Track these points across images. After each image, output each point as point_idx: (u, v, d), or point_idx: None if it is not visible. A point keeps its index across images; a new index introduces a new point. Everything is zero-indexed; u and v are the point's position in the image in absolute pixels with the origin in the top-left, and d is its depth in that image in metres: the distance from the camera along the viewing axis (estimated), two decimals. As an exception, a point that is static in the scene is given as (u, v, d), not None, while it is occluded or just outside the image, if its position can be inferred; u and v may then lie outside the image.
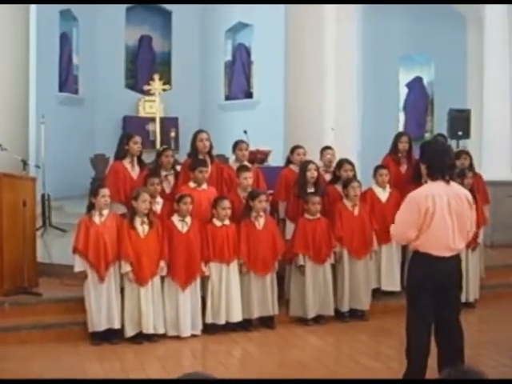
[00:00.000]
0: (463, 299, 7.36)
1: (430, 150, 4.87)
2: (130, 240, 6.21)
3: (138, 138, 7.00)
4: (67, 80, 12.86)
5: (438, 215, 4.53)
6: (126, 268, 6.19)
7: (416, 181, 6.90)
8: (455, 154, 7.79)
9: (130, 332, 6.21)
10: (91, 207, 6.25)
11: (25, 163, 8.03)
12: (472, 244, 7.45)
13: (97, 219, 6.21)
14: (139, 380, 4.86)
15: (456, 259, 4.73)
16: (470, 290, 7.51)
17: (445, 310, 4.72)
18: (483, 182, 7.96)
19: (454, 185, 4.74)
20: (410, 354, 4.77)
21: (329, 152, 7.61)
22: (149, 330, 6.23)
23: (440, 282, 4.62)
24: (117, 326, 6.18)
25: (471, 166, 7.73)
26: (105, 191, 6.25)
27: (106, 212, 6.25)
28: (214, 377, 1.88)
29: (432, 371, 4.65)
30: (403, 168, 7.69)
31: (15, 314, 6.34)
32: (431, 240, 4.57)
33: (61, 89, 12.58)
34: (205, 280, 6.54)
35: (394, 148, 7.75)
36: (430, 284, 4.61)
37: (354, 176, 7.21)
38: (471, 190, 7.37)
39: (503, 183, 9.97)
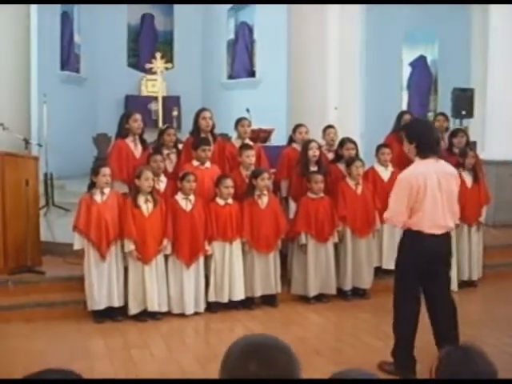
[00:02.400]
0: (465, 278, 7.42)
1: (419, 129, 4.83)
2: (134, 218, 6.22)
3: (137, 116, 6.97)
4: (69, 59, 12.82)
5: (429, 194, 4.58)
6: (130, 246, 6.20)
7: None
8: (452, 133, 7.83)
9: (133, 310, 6.24)
10: (92, 186, 6.26)
11: (27, 142, 8.04)
12: (474, 222, 7.48)
13: (98, 198, 6.21)
14: (140, 380, 4.88)
15: (446, 237, 4.80)
16: (474, 268, 7.53)
17: (434, 286, 4.79)
18: (480, 161, 7.95)
19: (442, 162, 4.77)
20: (397, 327, 4.83)
21: (331, 131, 7.59)
22: (153, 307, 6.26)
23: (430, 259, 4.68)
24: (117, 304, 6.20)
25: (468, 144, 7.72)
26: (106, 170, 6.24)
27: (107, 191, 6.25)
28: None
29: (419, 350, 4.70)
30: (406, 147, 7.65)
31: (19, 292, 6.38)
32: (423, 218, 4.62)
33: (62, 67, 12.54)
34: (208, 259, 6.56)
35: (397, 126, 7.73)
36: (420, 260, 4.67)
37: (357, 155, 7.20)
38: (473, 169, 7.42)
39: (506, 163, 9.94)
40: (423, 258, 4.68)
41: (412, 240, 4.73)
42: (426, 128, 4.87)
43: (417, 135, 4.72)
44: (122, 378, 4.88)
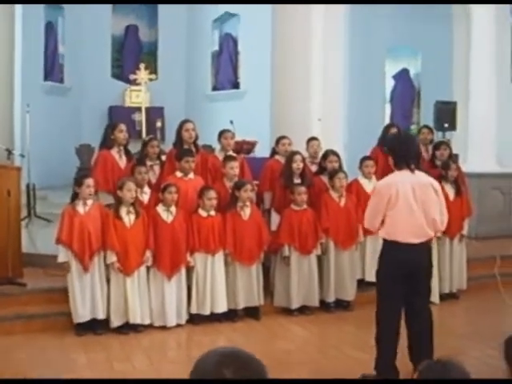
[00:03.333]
0: (447, 290, 7.45)
1: (394, 142, 5.16)
2: (116, 230, 6.19)
3: (122, 127, 6.97)
4: (53, 69, 12.75)
5: (402, 202, 4.66)
6: (112, 258, 6.16)
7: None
8: (435, 145, 7.88)
9: (115, 322, 6.19)
10: (75, 197, 6.21)
11: (9, 152, 7.99)
12: (457, 234, 7.52)
13: (81, 209, 6.17)
14: (140, 380, 4.85)
15: (424, 246, 4.83)
16: (454, 280, 7.56)
17: (414, 296, 4.82)
18: (463, 174, 8.00)
19: (419, 173, 4.86)
20: (380, 340, 4.85)
21: (314, 143, 7.61)
22: (135, 320, 6.21)
23: (409, 269, 4.72)
24: (101, 316, 6.15)
25: (451, 157, 7.77)
26: (89, 181, 6.20)
27: (90, 202, 6.22)
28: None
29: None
30: (391, 159, 7.69)
31: (-1, 304, 6.31)
32: (397, 227, 4.68)
33: (46, 78, 12.47)
34: (190, 270, 6.53)
35: (383, 139, 7.77)
36: (399, 271, 4.71)
37: (340, 167, 7.22)
38: (456, 182, 7.47)
39: (488, 175, 10.03)
40: (401, 268, 4.71)
41: (389, 250, 4.78)
42: (403, 142, 5.04)
43: (392, 148, 4.97)
44: (122, 378, 4.85)
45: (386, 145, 5.06)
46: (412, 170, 4.74)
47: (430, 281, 5.08)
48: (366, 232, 7.17)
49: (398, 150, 4.85)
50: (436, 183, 4.92)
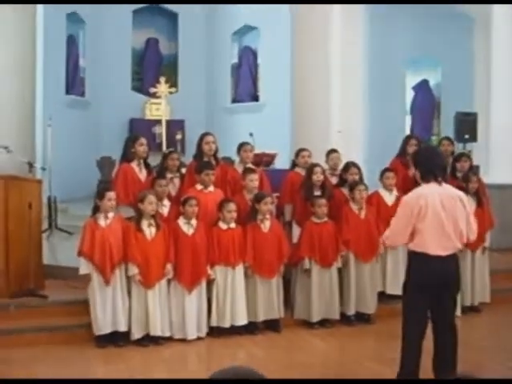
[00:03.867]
0: (468, 303, 7.37)
1: (420, 155, 5.06)
2: (137, 242, 6.21)
3: (143, 140, 7.01)
4: (74, 82, 12.89)
5: (431, 214, 4.63)
6: (133, 271, 6.18)
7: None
8: (456, 157, 7.83)
9: (136, 334, 6.21)
10: (96, 210, 6.25)
11: (31, 165, 8.05)
12: (479, 247, 7.46)
13: (102, 222, 6.21)
14: (140, 380, 4.85)
15: (453, 258, 4.80)
16: (476, 293, 7.49)
17: (441, 310, 4.78)
18: (483, 185, 7.94)
19: (447, 186, 4.85)
20: (404, 351, 4.82)
21: (335, 155, 7.59)
22: (156, 332, 6.22)
23: (437, 281, 4.68)
24: (123, 328, 6.17)
25: (471, 169, 7.71)
26: (111, 194, 6.24)
27: (111, 215, 6.25)
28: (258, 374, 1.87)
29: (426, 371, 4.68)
30: (412, 171, 7.66)
31: (21, 316, 6.35)
32: (426, 239, 4.65)
33: (67, 91, 12.61)
34: (210, 283, 6.53)
35: (403, 151, 7.75)
36: (428, 283, 4.67)
37: (361, 179, 7.20)
38: (477, 194, 7.41)
39: (510, 186, 9.94)
40: (430, 280, 4.68)
41: (418, 262, 4.74)
42: (430, 155, 5.00)
43: (418, 161, 4.92)
44: (122, 378, 4.86)
45: (414, 158, 5.02)
46: (439, 183, 4.73)
47: (458, 294, 5.04)
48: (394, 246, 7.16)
49: (424, 162, 4.83)
50: (463, 195, 4.89)
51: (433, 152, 5.19)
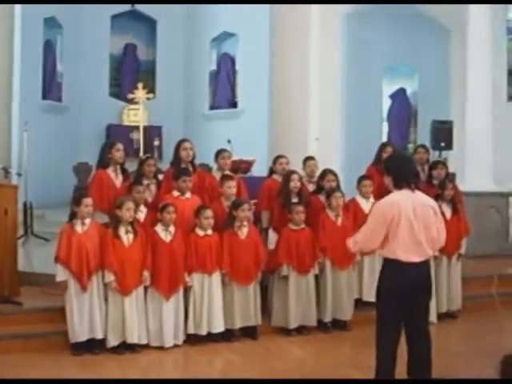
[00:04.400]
0: (444, 310, 7.44)
1: (392, 162, 5.05)
2: (114, 249, 6.17)
3: (120, 146, 6.98)
4: (51, 87, 12.78)
5: (404, 221, 4.65)
6: (110, 277, 6.14)
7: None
8: (432, 165, 7.90)
9: (113, 342, 6.16)
10: (73, 216, 6.21)
11: (6, 171, 8.00)
12: (455, 254, 7.53)
13: (79, 228, 6.17)
14: (140, 380, 4.82)
15: (425, 265, 4.83)
16: (453, 300, 7.56)
17: (414, 317, 4.81)
18: (460, 193, 8.02)
19: (419, 193, 4.88)
20: (379, 358, 4.84)
21: (311, 163, 7.61)
22: (133, 339, 6.18)
23: (410, 288, 4.70)
24: (99, 335, 6.13)
25: (448, 176, 7.79)
26: (88, 201, 6.21)
27: (88, 221, 6.21)
28: None
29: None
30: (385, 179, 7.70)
31: (-5, 323, 6.28)
32: (399, 246, 4.67)
33: (44, 96, 12.49)
34: (187, 290, 6.51)
35: (379, 158, 7.78)
36: (401, 290, 4.69)
37: (338, 186, 7.22)
38: (452, 201, 7.49)
39: (485, 194, 10.07)
40: (403, 287, 4.70)
41: (391, 269, 4.76)
42: (402, 161, 5.02)
43: (391, 168, 4.89)
44: (122, 378, 4.83)
45: (386, 165, 5.00)
46: (412, 190, 4.75)
47: (430, 300, 5.07)
48: (363, 252, 7.19)
49: (397, 169, 4.83)
50: (434, 202, 4.94)
51: (405, 159, 5.21)
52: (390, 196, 4.81)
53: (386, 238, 4.70)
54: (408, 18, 12.46)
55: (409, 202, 4.68)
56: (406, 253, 4.67)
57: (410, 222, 4.65)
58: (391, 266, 4.75)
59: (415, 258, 4.69)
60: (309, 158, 7.69)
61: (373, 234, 4.76)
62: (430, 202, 4.90)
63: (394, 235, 4.66)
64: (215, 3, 13.16)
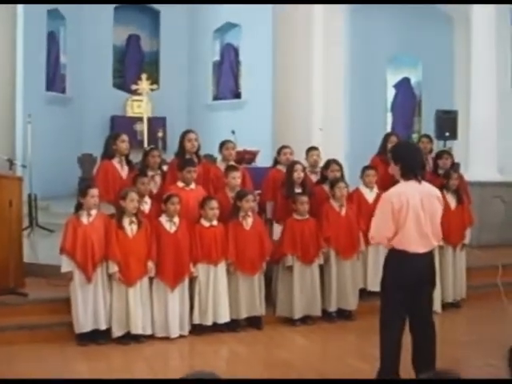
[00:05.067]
0: (450, 300, 7.44)
1: (403, 151, 4.99)
2: (118, 240, 6.18)
3: (125, 137, 6.98)
4: (54, 79, 12.80)
5: (412, 212, 4.65)
6: (114, 268, 6.15)
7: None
8: (437, 154, 7.89)
9: (117, 332, 6.18)
10: (79, 207, 6.22)
11: (11, 163, 8.01)
12: (459, 244, 7.53)
13: (85, 219, 6.18)
14: (140, 380, 4.84)
15: (430, 255, 4.84)
16: (457, 290, 7.56)
17: (418, 307, 4.83)
18: (465, 183, 8.00)
19: (426, 184, 4.87)
20: (383, 348, 4.85)
21: (314, 153, 7.60)
22: (137, 330, 6.20)
23: (415, 279, 4.71)
24: (103, 326, 6.14)
25: (453, 166, 7.77)
26: (94, 191, 6.21)
27: (94, 212, 6.22)
28: (215, 375, 1.88)
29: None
30: (390, 167, 7.68)
31: (1, 314, 6.27)
32: (406, 237, 4.67)
33: (48, 88, 12.52)
34: (192, 281, 6.53)
35: (383, 148, 7.76)
36: (406, 281, 4.70)
37: (342, 176, 7.22)
38: (457, 191, 7.47)
39: (490, 184, 10.03)
40: (408, 277, 4.71)
41: (397, 260, 4.76)
42: (410, 151, 4.99)
43: (401, 157, 4.84)
44: (122, 378, 4.85)
45: (394, 154, 4.96)
46: (419, 181, 4.74)
47: (434, 289, 5.08)
48: (367, 241, 7.19)
49: (406, 159, 4.80)
50: (439, 192, 4.93)
51: (413, 149, 5.17)
52: (398, 187, 4.81)
53: (395, 228, 4.70)
54: (412, 7, 12.40)
55: (416, 194, 4.67)
56: (413, 244, 4.67)
57: (417, 214, 4.65)
58: (397, 257, 4.75)
59: (421, 249, 4.70)
60: (312, 148, 7.69)
61: (383, 224, 4.75)
62: (437, 192, 4.89)
63: (401, 226, 4.66)
64: (217, 3, 13.17)
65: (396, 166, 4.84)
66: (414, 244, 4.68)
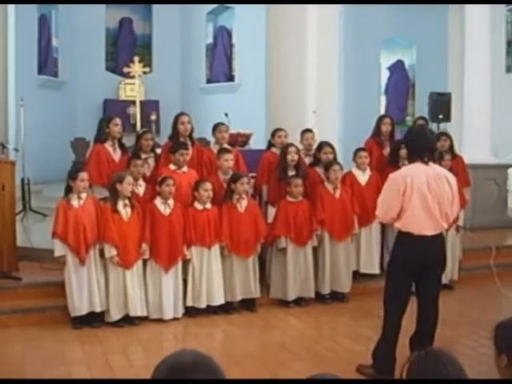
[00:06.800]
0: (446, 281, 7.47)
1: (411, 135, 5.09)
2: (114, 224, 6.17)
3: (117, 120, 6.96)
4: (46, 63, 12.72)
5: (417, 194, 4.66)
6: (112, 252, 6.15)
7: (393, 164, 7.01)
8: (436, 136, 7.86)
9: (115, 316, 6.19)
10: (69, 190, 6.20)
11: (3, 147, 7.96)
12: (453, 226, 7.54)
13: (75, 203, 6.16)
14: (140, 380, 4.84)
15: (439, 238, 4.84)
16: (449, 271, 7.58)
17: (424, 287, 4.88)
18: (464, 165, 7.99)
19: (434, 166, 4.86)
20: (385, 326, 4.88)
21: (309, 135, 7.58)
22: (136, 312, 6.23)
23: (422, 261, 4.73)
24: (98, 309, 6.15)
25: (451, 148, 7.76)
26: (84, 175, 6.19)
27: (84, 195, 6.20)
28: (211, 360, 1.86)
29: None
30: (386, 151, 7.70)
31: (-5, 298, 6.30)
32: (411, 219, 4.68)
33: (40, 71, 12.44)
34: (186, 263, 6.53)
35: (377, 130, 7.76)
36: (413, 263, 4.73)
37: (335, 159, 7.21)
38: (450, 172, 7.46)
39: (483, 166, 10.04)
40: (414, 259, 4.73)
41: (403, 242, 4.80)
42: (417, 135, 5.05)
43: (407, 141, 5.02)
44: (122, 379, 4.85)
45: (404, 138, 5.12)
46: (426, 163, 4.74)
47: (443, 272, 5.11)
48: (360, 223, 7.21)
49: (412, 143, 4.90)
50: (450, 175, 4.89)
51: (420, 133, 5.19)
52: (404, 169, 4.92)
53: (400, 210, 4.71)
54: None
55: (422, 176, 4.67)
56: (419, 226, 4.68)
57: (423, 196, 4.65)
58: (404, 239, 4.78)
59: (429, 232, 4.70)
60: (306, 131, 7.67)
61: (388, 205, 4.79)
62: (446, 174, 4.87)
63: (406, 208, 4.68)
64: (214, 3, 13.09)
65: (405, 149, 5.04)
66: (421, 226, 4.68)
